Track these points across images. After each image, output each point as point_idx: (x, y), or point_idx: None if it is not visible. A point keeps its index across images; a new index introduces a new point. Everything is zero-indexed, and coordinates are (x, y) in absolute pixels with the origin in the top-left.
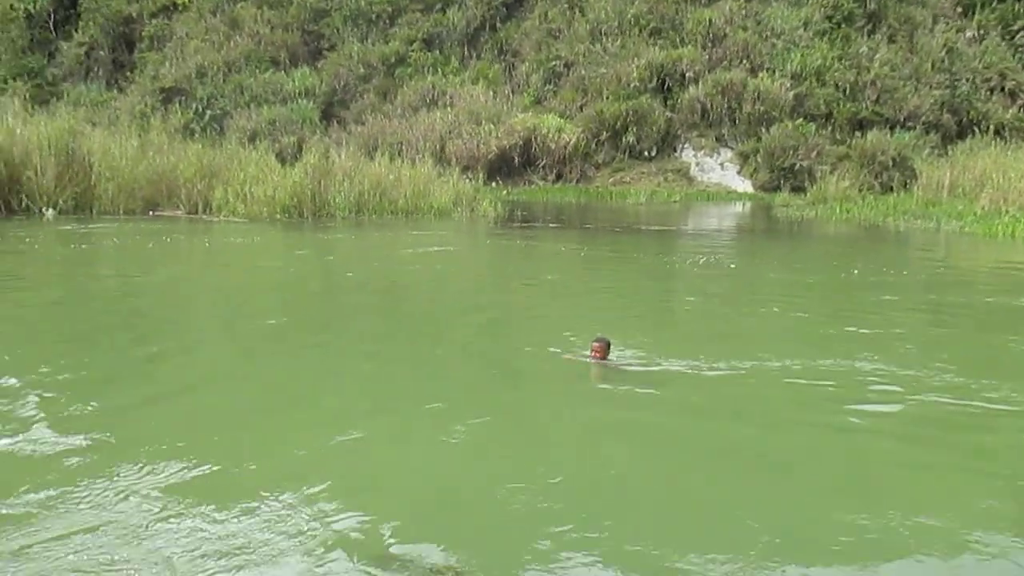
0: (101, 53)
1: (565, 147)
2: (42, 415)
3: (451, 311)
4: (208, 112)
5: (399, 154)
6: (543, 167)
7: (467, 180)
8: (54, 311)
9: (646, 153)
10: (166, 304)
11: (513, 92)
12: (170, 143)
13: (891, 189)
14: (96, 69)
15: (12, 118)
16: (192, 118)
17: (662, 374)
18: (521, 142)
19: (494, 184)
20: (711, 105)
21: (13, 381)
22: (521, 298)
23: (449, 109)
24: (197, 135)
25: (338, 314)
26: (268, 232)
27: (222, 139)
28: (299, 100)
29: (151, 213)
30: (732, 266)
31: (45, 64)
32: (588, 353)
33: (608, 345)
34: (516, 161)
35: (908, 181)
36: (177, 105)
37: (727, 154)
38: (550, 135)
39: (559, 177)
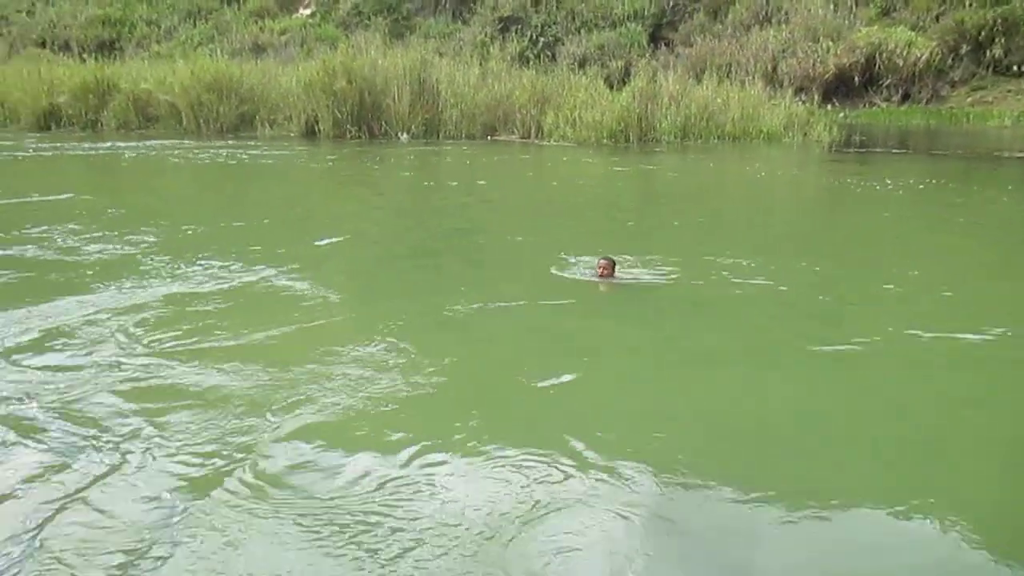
0: None
1: (915, 63)
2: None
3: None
4: (541, 39)
5: (727, 76)
6: (887, 87)
7: (800, 102)
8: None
9: (1015, 68)
10: (498, 216)
11: (857, 3)
12: (507, 71)
13: None
14: (443, 2)
15: (374, 51)
16: (527, 46)
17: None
18: (863, 59)
19: (830, 106)
20: None
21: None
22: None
23: (783, 26)
24: (531, 62)
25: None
26: (597, 155)
27: (554, 65)
28: (627, 24)
29: (488, 137)
30: None
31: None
32: (595, 270)
33: (614, 264)
34: (856, 81)
35: None
36: (513, 33)
37: None
38: (898, 50)
39: (906, 98)
